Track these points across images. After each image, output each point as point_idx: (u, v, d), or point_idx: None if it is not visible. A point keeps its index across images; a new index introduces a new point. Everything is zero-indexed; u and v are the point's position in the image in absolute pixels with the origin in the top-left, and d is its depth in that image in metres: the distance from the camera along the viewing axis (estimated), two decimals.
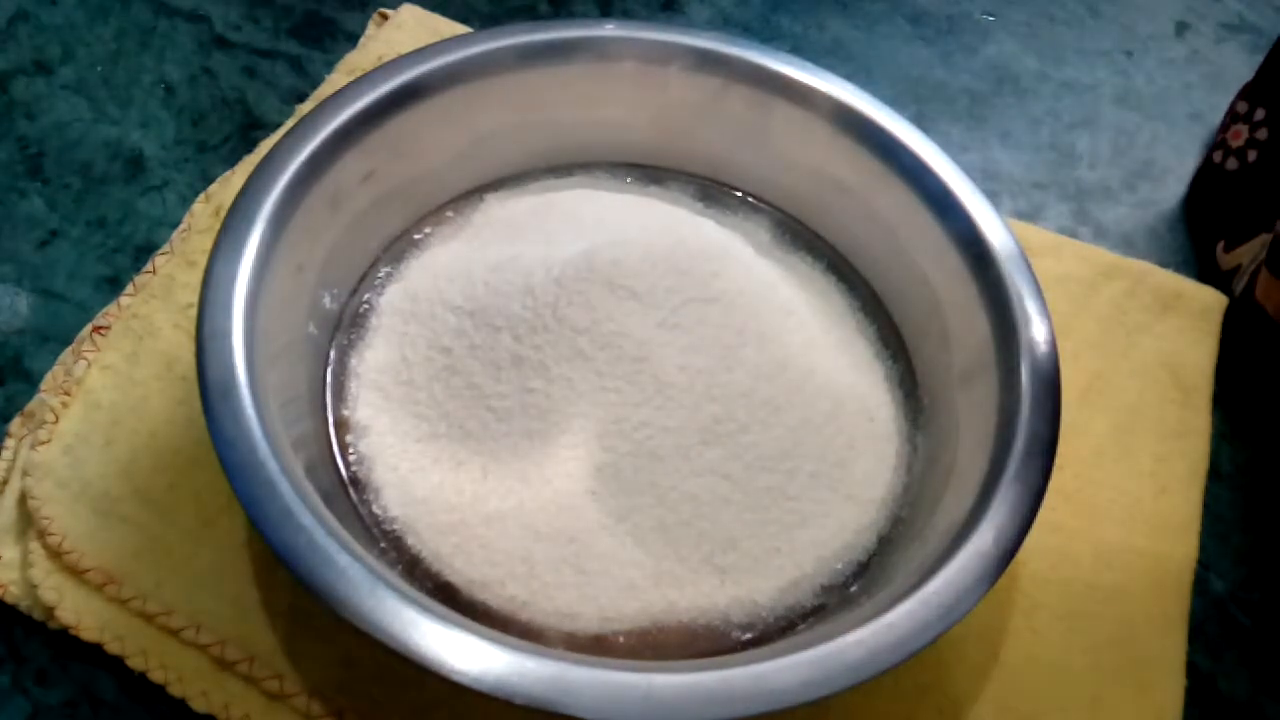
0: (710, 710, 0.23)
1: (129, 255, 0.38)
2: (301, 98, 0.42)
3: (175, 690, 0.29)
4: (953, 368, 0.32)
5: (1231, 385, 0.38)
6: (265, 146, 0.39)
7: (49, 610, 0.29)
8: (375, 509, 0.30)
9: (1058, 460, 0.28)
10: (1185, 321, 0.38)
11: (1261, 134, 0.40)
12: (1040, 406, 0.29)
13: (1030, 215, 0.43)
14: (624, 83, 0.36)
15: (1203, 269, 0.41)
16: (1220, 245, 0.40)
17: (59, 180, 0.40)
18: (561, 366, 0.30)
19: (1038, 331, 0.30)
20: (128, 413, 0.33)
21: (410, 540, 0.29)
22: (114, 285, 0.37)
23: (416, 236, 0.35)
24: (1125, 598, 0.32)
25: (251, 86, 0.43)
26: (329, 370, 0.32)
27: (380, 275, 0.34)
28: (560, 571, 0.28)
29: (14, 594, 0.30)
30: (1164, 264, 0.40)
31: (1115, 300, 0.38)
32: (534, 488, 0.29)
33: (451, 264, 0.33)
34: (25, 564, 0.30)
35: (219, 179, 0.39)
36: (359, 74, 0.34)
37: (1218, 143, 0.43)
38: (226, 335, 0.27)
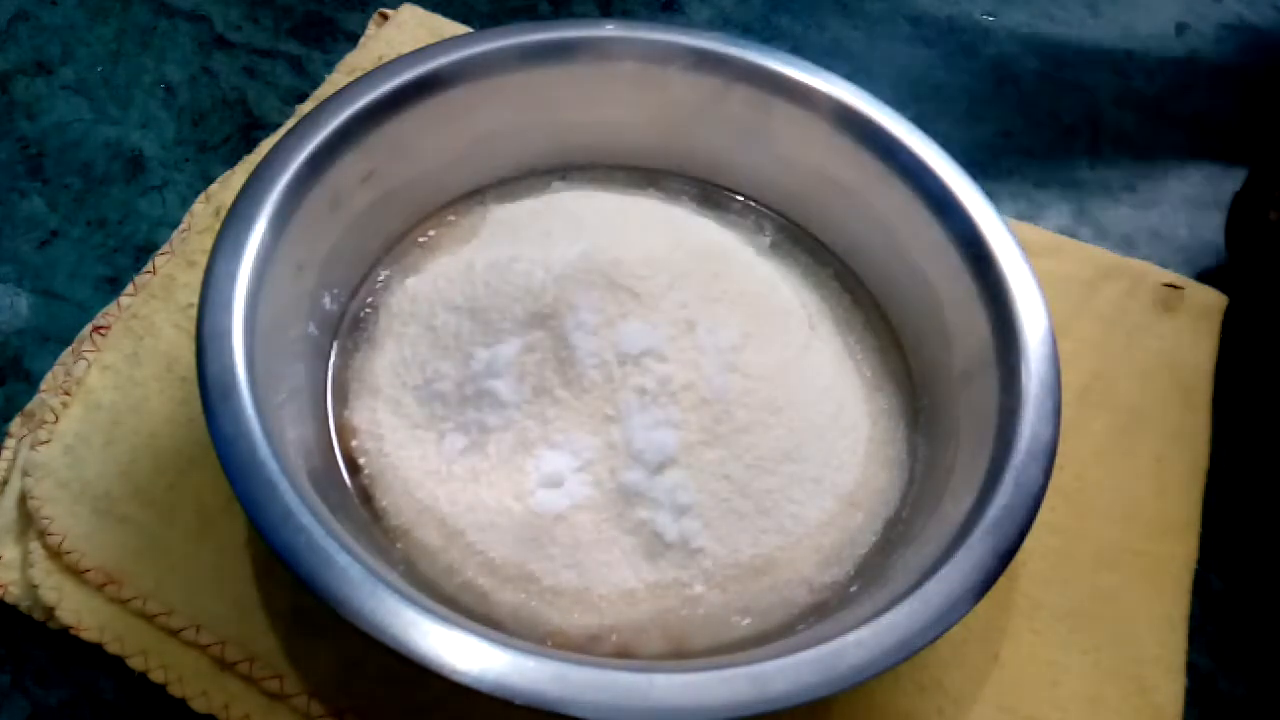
0: (710, 710, 0.23)
1: (129, 255, 0.38)
2: (302, 98, 0.42)
3: (175, 690, 0.29)
4: (953, 368, 0.32)
5: (1231, 385, 0.38)
6: (265, 146, 0.38)
7: (49, 610, 0.29)
8: (375, 509, 0.30)
9: (1058, 460, 0.28)
10: (1185, 321, 0.38)
11: None
12: (1040, 406, 0.29)
13: (1030, 215, 0.43)
14: (624, 83, 0.36)
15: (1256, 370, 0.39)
16: None
17: (59, 180, 0.40)
18: (561, 368, 0.30)
19: (1038, 331, 0.30)
20: (128, 413, 0.33)
21: (410, 541, 0.29)
22: (114, 285, 0.37)
23: (419, 238, 0.35)
24: (1125, 598, 0.32)
25: (252, 86, 0.43)
26: (330, 371, 0.32)
27: (381, 276, 0.34)
28: (560, 573, 0.28)
29: (14, 594, 0.30)
30: (1164, 264, 0.40)
31: (1115, 300, 0.38)
32: (534, 488, 0.29)
33: (451, 264, 0.33)
34: (25, 564, 0.30)
35: (219, 179, 0.39)
36: (359, 74, 0.34)
37: (1276, 221, 0.38)
38: (226, 335, 0.27)
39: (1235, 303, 0.39)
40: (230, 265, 0.28)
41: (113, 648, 0.29)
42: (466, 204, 0.37)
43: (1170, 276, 0.39)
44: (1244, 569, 0.35)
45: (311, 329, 0.32)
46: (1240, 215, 0.40)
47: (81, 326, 0.35)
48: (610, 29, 0.35)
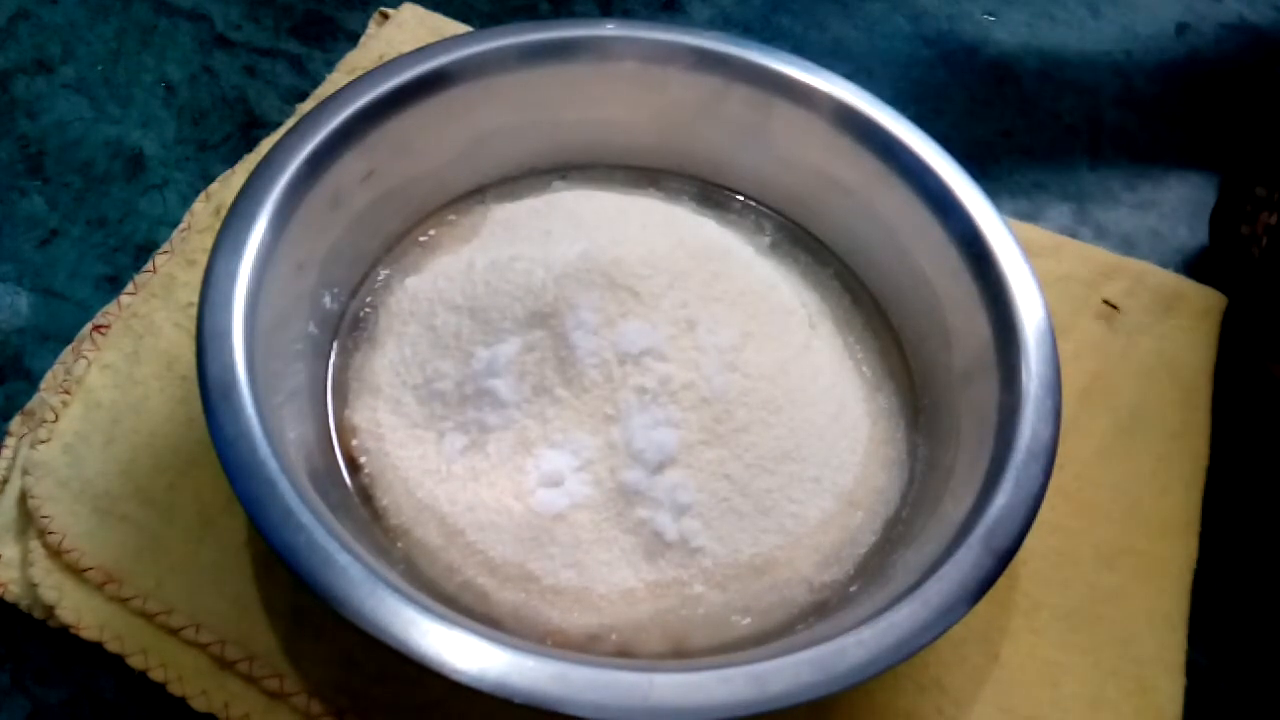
0: (710, 710, 0.23)
1: (129, 254, 0.38)
2: (302, 97, 0.42)
3: (175, 689, 0.29)
4: (953, 368, 0.32)
5: (1231, 385, 0.38)
6: (266, 145, 0.38)
7: (49, 609, 0.30)
8: (375, 509, 0.30)
9: (1058, 460, 0.28)
10: (1185, 321, 0.38)
11: None
12: (1040, 406, 0.29)
13: (1030, 215, 0.43)
14: (624, 83, 0.36)
15: (1247, 377, 0.39)
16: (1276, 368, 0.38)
17: (59, 179, 0.40)
18: (562, 367, 0.30)
19: (1038, 331, 0.30)
20: (128, 412, 0.33)
21: (410, 540, 0.29)
22: (114, 284, 0.37)
23: (419, 238, 0.35)
24: (1125, 598, 0.32)
25: (252, 85, 0.43)
26: (330, 370, 0.32)
27: (381, 275, 0.34)
28: (560, 573, 0.28)
29: (14, 593, 0.30)
30: (1164, 264, 0.40)
31: (1115, 300, 0.38)
32: (534, 488, 0.29)
33: (451, 264, 0.33)
34: (25, 563, 0.30)
35: (219, 178, 0.39)
36: (359, 73, 0.34)
37: (1248, 236, 0.39)
38: (227, 335, 0.27)
39: (1234, 304, 0.39)
40: (230, 264, 0.28)
41: (113, 646, 0.29)
42: (467, 203, 0.37)
43: (1170, 276, 0.39)
44: (1244, 569, 0.35)
45: (312, 328, 0.32)
46: (1218, 230, 0.40)
47: (81, 325, 0.35)
48: (610, 29, 0.35)
